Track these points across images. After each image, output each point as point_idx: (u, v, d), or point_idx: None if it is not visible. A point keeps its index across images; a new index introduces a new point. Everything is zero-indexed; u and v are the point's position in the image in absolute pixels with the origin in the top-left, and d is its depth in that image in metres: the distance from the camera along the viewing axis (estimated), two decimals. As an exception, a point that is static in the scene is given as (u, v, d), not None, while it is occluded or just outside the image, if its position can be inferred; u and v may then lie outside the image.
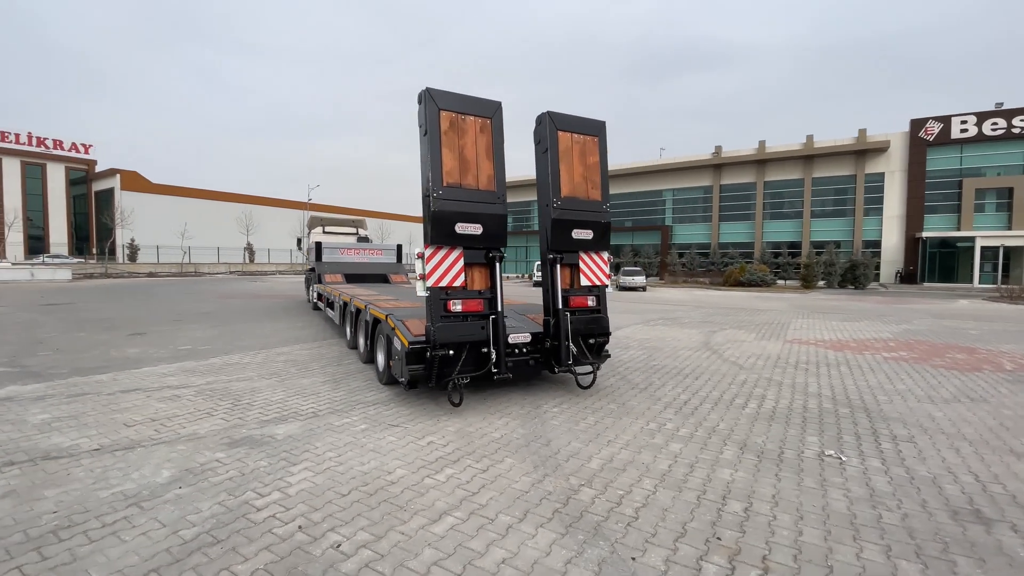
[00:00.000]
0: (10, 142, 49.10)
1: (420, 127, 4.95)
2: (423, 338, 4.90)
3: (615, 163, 47.14)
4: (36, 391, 5.75)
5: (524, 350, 5.52)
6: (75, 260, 46.37)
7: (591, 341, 5.83)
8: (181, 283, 30.23)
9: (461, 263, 5.05)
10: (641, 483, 3.50)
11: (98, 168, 57.01)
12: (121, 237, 48.81)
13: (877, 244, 36.47)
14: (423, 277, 4.86)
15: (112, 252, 47.81)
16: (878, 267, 35.28)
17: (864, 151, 36.04)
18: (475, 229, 5.01)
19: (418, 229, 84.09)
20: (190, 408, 5.16)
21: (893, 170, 36.01)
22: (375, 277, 14.66)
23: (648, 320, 13.64)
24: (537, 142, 5.71)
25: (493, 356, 5.02)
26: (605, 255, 6.04)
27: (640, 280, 29.64)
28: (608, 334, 5.93)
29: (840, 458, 4.01)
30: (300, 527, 2.90)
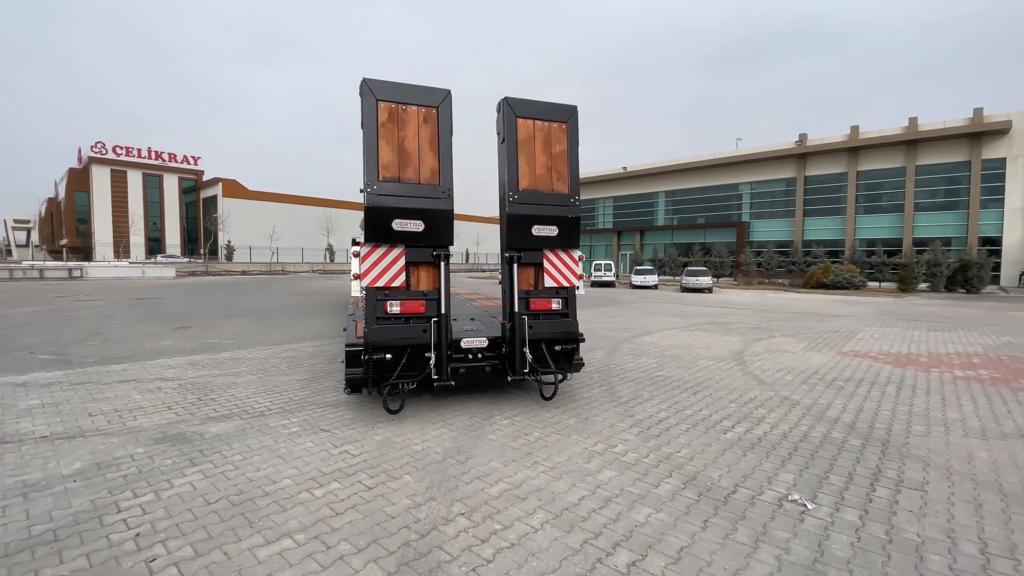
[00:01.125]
0: (133, 156, 56.82)
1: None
2: (362, 340, 4.70)
3: (685, 156, 44.54)
4: (50, 378, 6.32)
5: (480, 355, 5.13)
6: (184, 260, 52.40)
7: (557, 348, 5.30)
8: (264, 281, 33.01)
9: (402, 262, 4.78)
10: (531, 518, 3.01)
11: (205, 177, 64.08)
12: (221, 239, 54.39)
13: (996, 241, 30.95)
14: (357, 277, 4.65)
15: (213, 252, 53.48)
16: (997, 268, 29.99)
17: (980, 134, 30.71)
18: (416, 226, 4.71)
19: (487, 229, 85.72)
20: (157, 401, 5.37)
21: (1016, 155, 30.36)
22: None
23: (690, 325, 12.53)
24: (498, 133, 5.29)
25: (432, 360, 4.70)
26: (576, 253, 5.47)
27: (705, 281, 27.69)
28: (576, 340, 5.35)
29: (806, 505, 3.22)
30: (138, 535, 2.78)
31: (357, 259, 4.65)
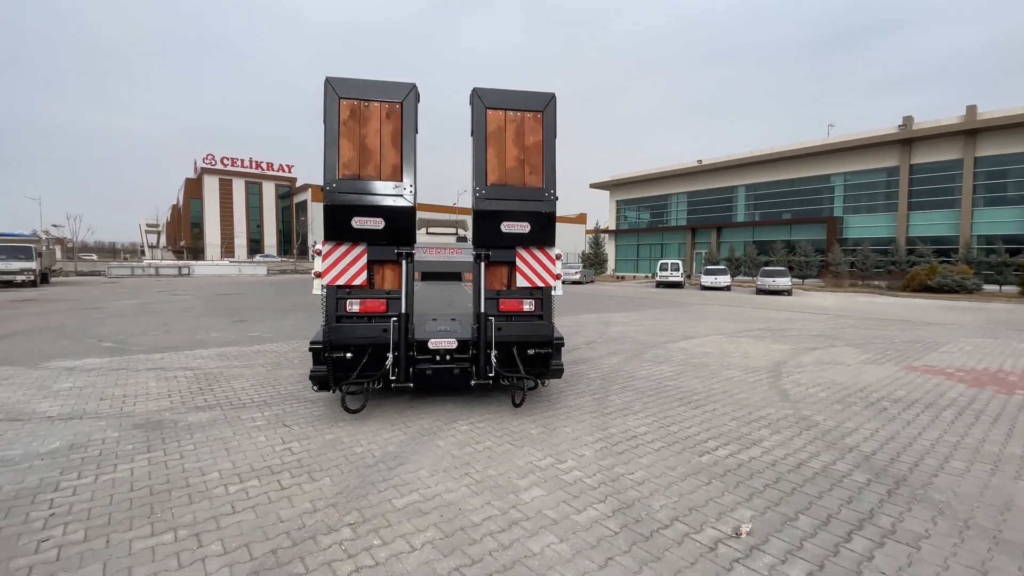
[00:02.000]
0: (237, 166, 63.48)
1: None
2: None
3: (768, 147, 41.03)
4: (96, 364, 7.10)
5: (448, 357, 4.95)
6: (278, 259, 57.50)
7: (530, 352, 4.98)
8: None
9: (363, 261, 4.74)
10: (417, 536, 2.79)
11: (297, 184, 69.90)
12: (309, 239, 59.02)
13: None
14: (318, 275, 4.67)
15: (303, 252, 58.19)
16: None
17: None
18: (376, 224, 4.64)
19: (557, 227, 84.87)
20: (164, 389, 5.81)
21: None
22: (450, 275, 15.02)
23: (741, 331, 11.44)
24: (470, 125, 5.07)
25: (389, 361, 4.60)
26: (552, 251, 5.11)
27: (783, 282, 25.34)
28: (551, 344, 4.99)
29: (744, 533, 2.69)
30: (52, 514, 2.95)
31: (318, 257, 4.66)
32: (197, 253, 61.62)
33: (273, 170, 67.94)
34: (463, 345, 4.96)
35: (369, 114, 4.67)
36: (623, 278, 43.13)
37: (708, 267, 30.68)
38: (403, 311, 4.69)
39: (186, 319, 12.32)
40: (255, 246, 66.63)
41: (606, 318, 13.46)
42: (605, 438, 4.36)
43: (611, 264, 50.57)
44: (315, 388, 4.89)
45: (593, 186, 52.43)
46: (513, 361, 4.94)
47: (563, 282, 31.25)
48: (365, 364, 4.68)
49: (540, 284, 5.01)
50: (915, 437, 4.47)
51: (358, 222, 4.60)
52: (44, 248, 25.72)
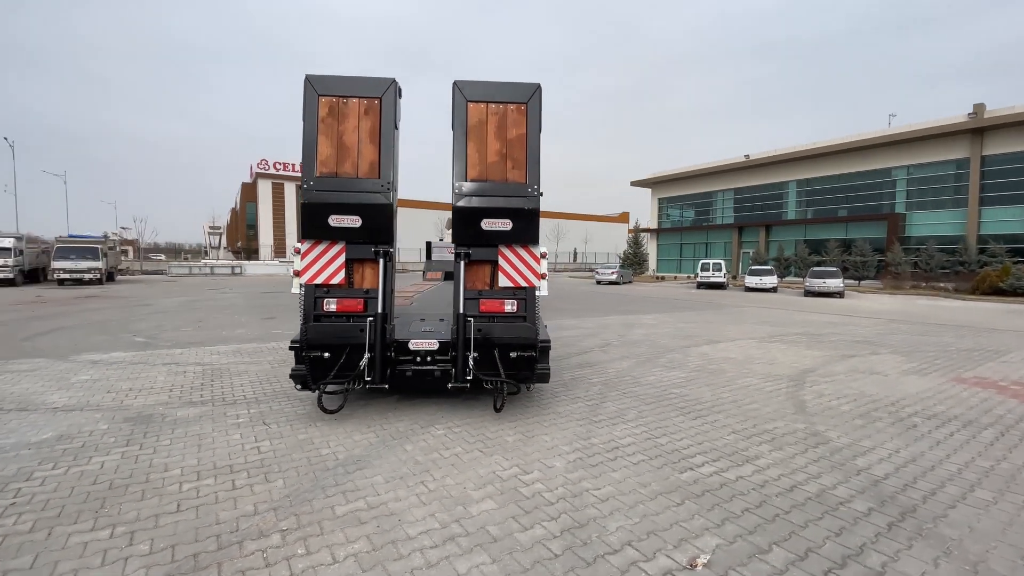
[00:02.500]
0: (289, 170, 66.33)
1: None
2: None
3: (822, 140, 38.58)
4: (121, 358, 7.48)
5: (430, 358, 4.82)
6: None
7: (512, 355, 4.77)
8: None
9: (342, 259, 4.69)
10: (345, 547, 2.66)
11: (343, 186, 72.33)
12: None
13: None
14: (297, 274, 4.66)
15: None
16: None
17: None
18: (353, 222, 4.58)
19: (595, 227, 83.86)
20: (170, 383, 6.01)
21: None
22: (472, 274, 14.99)
23: (774, 335, 10.73)
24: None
25: (364, 361, 4.52)
26: (538, 250, 4.87)
27: (834, 284, 23.76)
28: (535, 346, 4.75)
29: (699, 565, 2.39)
30: (13, 503, 3.04)
31: (297, 256, 4.66)
32: (252, 253, 64.94)
33: (321, 173, 70.87)
34: (445, 346, 4.81)
35: (348, 111, 4.62)
36: (663, 278, 41.85)
37: (753, 267, 29.18)
38: (379, 311, 4.61)
39: (221, 316, 12.89)
40: (304, 246, 69.59)
41: (632, 320, 12.99)
42: (583, 448, 4.10)
43: (652, 264, 49.20)
44: (298, 387, 4.89)
45: (634, 184, 51.21)
46: (496, 364, 4.75)
47: (598, 283, 30.97)
48: (343, 364, 4.63)
49: (523, 284, 4.79)
50: (941, 460, 3.94)
51: (335, 220, 4.56)
52: (109, 249, 27.76)
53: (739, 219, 44.92)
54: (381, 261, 4.69)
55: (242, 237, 70.56)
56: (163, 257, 77.39)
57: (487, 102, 4.71)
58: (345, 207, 4.55)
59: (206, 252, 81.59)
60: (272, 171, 66.93)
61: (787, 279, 34.96)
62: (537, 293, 4.84)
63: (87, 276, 24.13)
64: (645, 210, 54.27)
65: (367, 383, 4.58)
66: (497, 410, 4.75)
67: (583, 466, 3.75)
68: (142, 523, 2.87)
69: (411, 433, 4.41)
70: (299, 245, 4.68)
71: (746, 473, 3.67)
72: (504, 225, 4.67)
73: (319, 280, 4.64)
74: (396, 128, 4.73)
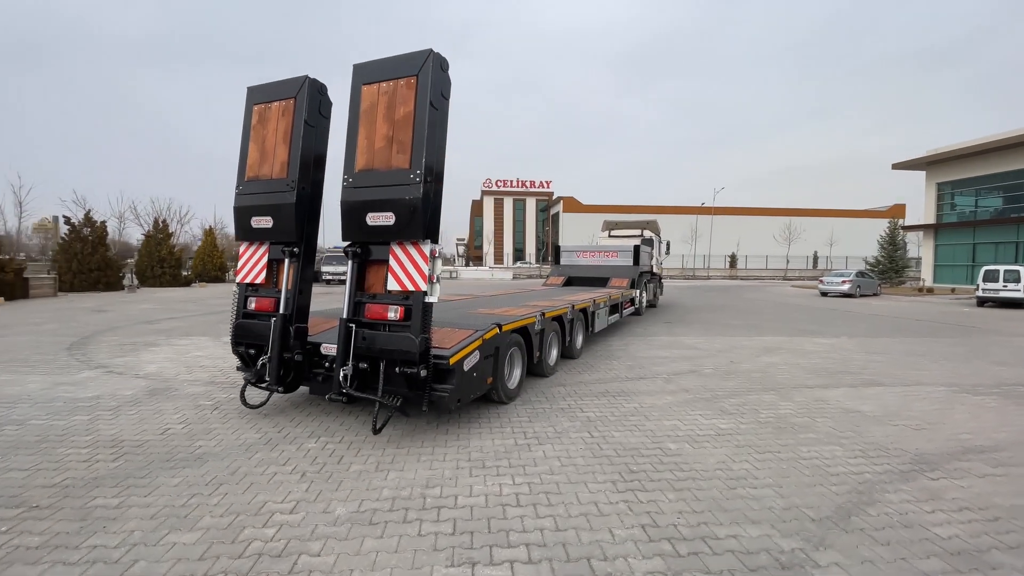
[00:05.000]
0: (507, 186, 73.72)
1: None
2: None
3: (986, 135, 22.35)
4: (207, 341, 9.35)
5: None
6: (536, 265, 64.00)
7: (396, 369, 4.04)
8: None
9: (264, 259, 4.81)
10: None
11: (554, 197, 76.39)
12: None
13: None
14: (235, 273, 4.95)
15: (547, 258, 63.23)
16: None
17: None
18: (267, 223, 4.63)
19: (845, 226, 66.93)
20: (230, 364, 7.19)
21: None
22: (596, 280, 13.79)
23: (994, 385, 6.71)
24: None
25: (260, 361, 4.49)
26: (426, 247, 4.02)
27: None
28: (414, 362, 3.91)
29: None
30: (-28, 444, 4.06)
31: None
32: (478, 261, 74.40)
33: (535, 187, 76.41)
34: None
35: (270, 115, 4.74)
36: (930, 291, 30.66)
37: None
38: (281, 311, 4.55)
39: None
40: (519, 254, 76.19)
41: (781, 344, 9.84)
42: (408, 499, 3.21)
43: (928, 271, 36.78)
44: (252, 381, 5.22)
45: (897, 167, 39.30)
46: (390, 379, 4.14)
47: (825, 294, 24.71)
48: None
49: (411, 287, 4.05)
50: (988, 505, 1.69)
51: (255, 221, 4.71)
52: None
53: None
54: (286, 260, 4.64)
55: (470, 247, 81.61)
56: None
57: (379, 81, 4.18)
58: (261, 208, 4.67)
59: (453, 260, 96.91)
60: (494, 188, 75.25)
61: None
62: (427, 299, 4.03)
63: (340, 277, 31.75)
64: (912, 201, 40.99)
65: (264, 384, 4.58)
66: (376, 432, 4.12)
67: (367, 523, 2.92)
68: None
69: (288, 440, 4.21)
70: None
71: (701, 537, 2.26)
72: (387, 219, 4.05)
73: (248, 280, 4.88)
74: (312, 126, 4.63)
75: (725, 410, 5.26)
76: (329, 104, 4.82)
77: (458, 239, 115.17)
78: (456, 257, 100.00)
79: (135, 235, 42.50)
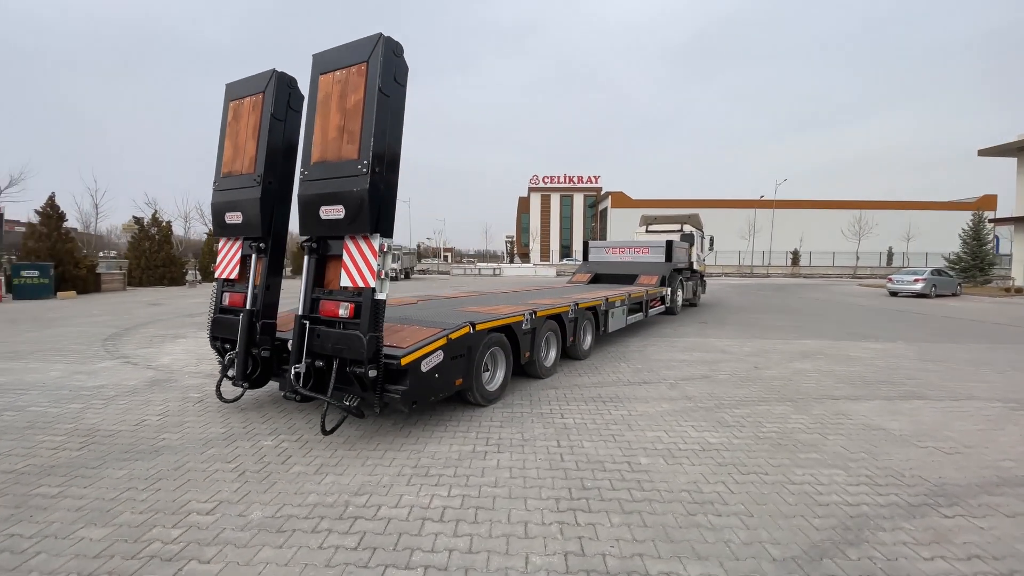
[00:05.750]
0: (554, 182, 72.94)
1: None
2: None
3: None
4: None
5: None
6: (580, 262, 63.15)
7: (349, 369, 3.89)
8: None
9: (237, 255, 4.82)
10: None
11: (602, 192, 74.82)
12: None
13: None
14: (214, 269, 5.00)
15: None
16: None
17: None
18: (237, 218, 4.63)
19: (926, 219, 60.68)
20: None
21: None
22: (624, 278, 13.19)
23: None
24: None
25: (227, 356, 4.48)
26: (375, 241, 3.82)
27: None
28: (362, 361, 3.73)
29: None
30: (-33, 428, 4.33)
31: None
32: (524, 257, 74.30)
33: (582, 182, 75.14)
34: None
35: (242, 111, 4.73)
36: (1019, 291, 27.14)
37: None
38: (247, 307, 4.54)
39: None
40: (565, 250, 75.26)
41: (821, 349, 8.94)
42: (330, 506, 3.05)
43: (1019, 269, 32.75)
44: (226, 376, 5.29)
45: (984, 153, 35.24)
46: (346, 378, 4.02)
47: (895, 294, 22.59)
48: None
49: (361, 284, 3.89)
50: None
51: (229, 217, 4.73)
52: (404, 254, 36.44)
53: None
54: (253, 256, 4.62)
55: (518, 244, 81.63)
56: (464, 261, 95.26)
57: (334, 70, 4.04)
58: (232, 204, 4.68)
59: (502, 257, 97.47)
60: (541, 184, 74.75)
61: None
62: (376, 296, 3.85)
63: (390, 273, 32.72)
64: (1004, 190, 36.50)
65: (232, 379, 4.58)
66: (327, 433, 3.99)
67: (275, 531, 2.79)
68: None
69: (246, 436, 4.21)
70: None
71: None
72: (338, 212, 3.90)
73: (224, 275, 4.91)
74: (280, 120, 4.57)
75: (723, 422, 4.74)
76: (300, 97, 4.76)
77: (507, 236, 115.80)
78: (504, 254, 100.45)
79: (201, 233, 45.72)
